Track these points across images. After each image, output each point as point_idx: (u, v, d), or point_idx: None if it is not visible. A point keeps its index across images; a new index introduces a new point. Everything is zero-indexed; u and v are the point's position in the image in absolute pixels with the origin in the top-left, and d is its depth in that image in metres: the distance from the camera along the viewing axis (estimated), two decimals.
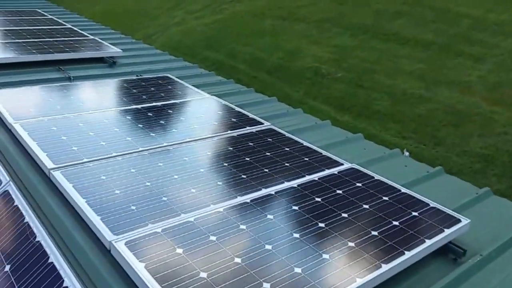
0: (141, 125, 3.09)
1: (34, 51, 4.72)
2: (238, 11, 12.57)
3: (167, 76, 4.35)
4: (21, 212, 2.11)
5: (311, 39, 10.12)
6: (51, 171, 2.33)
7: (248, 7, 12.61)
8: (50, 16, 6.93)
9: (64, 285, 1.69)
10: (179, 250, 1.81)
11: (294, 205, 2.26)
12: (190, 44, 11.09)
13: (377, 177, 2.65)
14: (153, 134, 2.96)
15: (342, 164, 2.77)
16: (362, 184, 2.55)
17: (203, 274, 1.70)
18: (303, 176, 2.57)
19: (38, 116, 3.08)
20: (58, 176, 2.28)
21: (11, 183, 2.33)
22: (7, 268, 1.89)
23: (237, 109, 3.56)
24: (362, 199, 2.40)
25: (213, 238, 1.93)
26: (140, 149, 2.73)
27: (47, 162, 2.42)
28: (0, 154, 2.75)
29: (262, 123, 3.30)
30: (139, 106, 3.46)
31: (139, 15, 14.24)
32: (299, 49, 9.79)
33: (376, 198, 2.42)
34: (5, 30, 5.62)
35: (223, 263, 1.76)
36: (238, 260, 1.79)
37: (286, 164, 2.70)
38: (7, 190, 2.30)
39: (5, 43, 4.94)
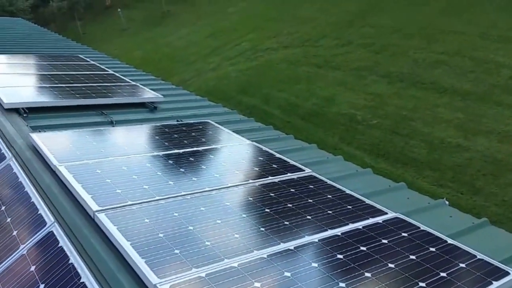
0: (183, 170, 3.12)
1: (77, 95, 4.90)
2: (273, 58, 12.85)
3: (207, 121, 4.42)
4: (66, 253, 2.12)
5: (346, 86, 10.19)
6: (96, 213, 2.36)
7: (283, 55, 12.88)
8: (92, 62, 7.22)
9: None
10: None
11: (339, 253, 2.20)
12: (225, 88, 11.34)
13: (422, 227, 2.57)
14: (195, 179, 2.98)
15: (386, 213, 2.70)
16: (408, 234, 2.47)
17: None
18: (347, 224, 2.52)
19: (82, 159, 3.16)
20: (103, 218, 2.30)
21: (55, 224, 2.37)
22: None
23: (278, 155, 3.57)
24: (408, 249, 2.32)
25: (257, 285, 1.88)
26: (183, 193, 2.74)
27: (92, 204, 2.45)
28: (45, 196, 2.80)
29: (303, 170, 3.28)
30: (180, 151, 3.51)
31: (175, 61, 14.74)
32: (334, 96, 9.86)
33: (423, 249, 2.34)
34: (49, 74, 5.88)
35: None
36: None
37: (329, 212, 2.65)
38: (51, 231, 2.33)
39: (49, 87, 5.16)
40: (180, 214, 2.46)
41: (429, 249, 2.34)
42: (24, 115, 4.22)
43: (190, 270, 1.93)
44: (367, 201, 2.85)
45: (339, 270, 2.06)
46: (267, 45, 13.92)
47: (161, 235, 2.21)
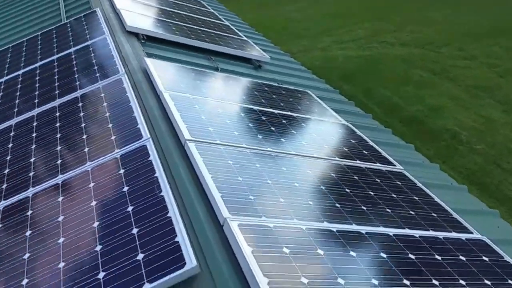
0: (273, 128, 3.12)
1: (192, 36, 5.06)
2: (387, 53, 12.37)
3: (307, 92, 4.38)
4: (153, 167, 2.23)
5: (458, 102, 9.59)
6: (187, 141, 2.44)
7: (399, 51, 12.36)
8: (212, 10, 7.42)
9: (176, 239, 1.73)
10: (286, 250, 1.77)
11: (411, 253, 2.10)
12: (329, 71, 11.12)
13: (506, 258, 2.38)
14: (283, 140, 2.98)
15: (471, 233, 2.52)
16: (489, 260, 2.29)
17: (304, 280, 1.63)
18: (427, 229, 2.39)
19: (185, 92, 3.27)
20: (192, 148, 2.38)
21: (150, 140, 2.48)
22: (129, 208, 2.00)
23: (371, 143, 3.45)
24: (485, 273, 2.16)
25: (320, 252, 1.85)
26: (268, 149, 2.75)
27: (185, 132, 2.54)
28: (145, 114, 2.94)
29: (394, 164, 3.15)
30: (275, 111, 3.52)
31: (285, 32, 14.66)
32: (443, 108, 9.32)
33: (500, 278, 2.17)
34: (170, 11, 6.11)
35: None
36: None
37: (411, 212, 2.53)
38: (145, 145, 2.45)
39: (169, 22, 5.36)
40: (262, 166, 2.47)
41: (507, 280, 2.16)
42: (142, 41, 4.44)
43: (259, 217, 1.94)
44: (455, 214, 2.68)
45: (407, 268, 1.97)
46: (384, 38, 13.40)
47: (240, 178, 2.24)
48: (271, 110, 3.52)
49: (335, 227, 2.11)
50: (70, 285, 1.76)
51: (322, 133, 3.35)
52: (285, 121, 3.35)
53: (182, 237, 1.76)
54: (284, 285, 1.58)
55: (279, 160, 2.64)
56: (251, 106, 3.45)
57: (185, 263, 1.65)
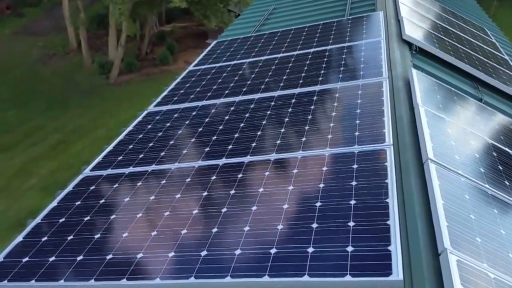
0: None
1: (465, 60, 4.79)
2: None
3: None
4: (387, 172, 2.27)
5: None
6: (429, 160, 2.39)
7: None
8: (494, 40, 6.86)
9: (389, 248, 1.76)
10: None
11: None
12: None
13: None
14: None
15: None
16: None
17: None
18: None
19: (441, 113, 3.16)
20: (432, 168, 2.32)
21: (391, 147, 2.51)
22: (352, 202, 2.10)
23: None
24: None
25: None
26: None
27: (429, 151, 2.48)
28: (394, 122, 2.96)
29: None
30: None
31: None
32: None
33: None
34: (449, 30, 5.86)
35: None
36: None
37: None
38: (385, 150, 2.49)
39: (445, 40, 5.17)
40: (500, 214, 2.25)
41: None
42: (414, 52, 4.42)
43: (481, 263, 1.79)
44: None
45: None
46: None
47: (472, 216, 2.09)
48: None
49: None
50: (281, 247, 1.95)
51: None
52: None
53: (395, 248, 1.76)
54: None
55: None
56: (508, 150, 3.13)
57: (391, 273, 1.65)
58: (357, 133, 2.81)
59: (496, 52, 6.15)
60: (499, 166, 2.78)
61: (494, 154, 2.93)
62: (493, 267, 1.80)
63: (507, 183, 2.63)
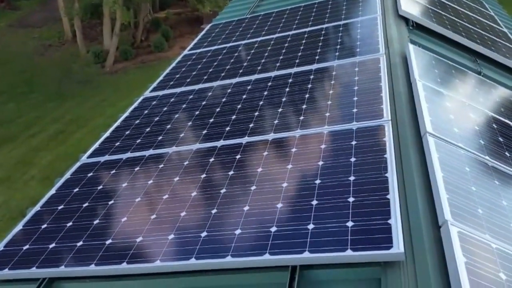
0: None
1: (462, 33, 4.73)
2: None
3: None
4: (385, 147, 2.25)
5: None
6: (427, 134, 2.36)
7: None
8: (492, 13, 6.78)
9: (389, 222, 1.74)
10: (502, 276, 1.60)
11: None
12: None
13: None
14: None
15: None
16: None
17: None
18: None
19: (439, 87, 3.13)
20: (430, 141, 2.30)
21: (389, 122, 2.49)
22: (351, 178, 2.09)
23: None
24: None
25: None
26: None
27: (427, 125, 2.46)
28: (392, 97, 2.94)
29: None
30: None
31: None
32: None
33: None
34: (447, 4, 5.79)
35: None
36: None
37: None
38: (383, 125, 2.47)
39: (442, 14, 5.10)
40: (501, 185, 2.24)
41: None
42: (410, 27, 4.37)
43: (483, 234, 1.78)
44: None
45: None
46: None
47: (473, 188, 2.08)
48: None
49: None
50: (281, 225, 1.94)
51: None
52: None
53: (396, 221, 1.75)
54: None
55: None
56: (508, 122, 3.10)
57: (391, 246, 1.64)
58: (355, 110, 2.78)
59: (495, 25, 6.08)
60: (500, 138, 2.76)
61: (494, 126, 2.90)
62: (495, 238, 1.79)
63: (508, 155, 2.61)
